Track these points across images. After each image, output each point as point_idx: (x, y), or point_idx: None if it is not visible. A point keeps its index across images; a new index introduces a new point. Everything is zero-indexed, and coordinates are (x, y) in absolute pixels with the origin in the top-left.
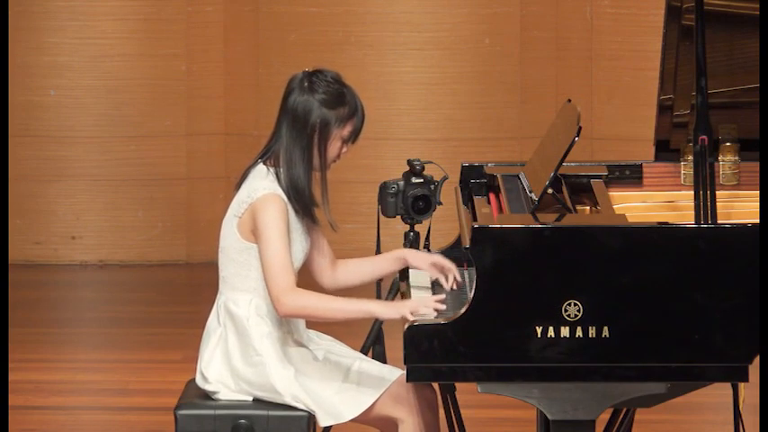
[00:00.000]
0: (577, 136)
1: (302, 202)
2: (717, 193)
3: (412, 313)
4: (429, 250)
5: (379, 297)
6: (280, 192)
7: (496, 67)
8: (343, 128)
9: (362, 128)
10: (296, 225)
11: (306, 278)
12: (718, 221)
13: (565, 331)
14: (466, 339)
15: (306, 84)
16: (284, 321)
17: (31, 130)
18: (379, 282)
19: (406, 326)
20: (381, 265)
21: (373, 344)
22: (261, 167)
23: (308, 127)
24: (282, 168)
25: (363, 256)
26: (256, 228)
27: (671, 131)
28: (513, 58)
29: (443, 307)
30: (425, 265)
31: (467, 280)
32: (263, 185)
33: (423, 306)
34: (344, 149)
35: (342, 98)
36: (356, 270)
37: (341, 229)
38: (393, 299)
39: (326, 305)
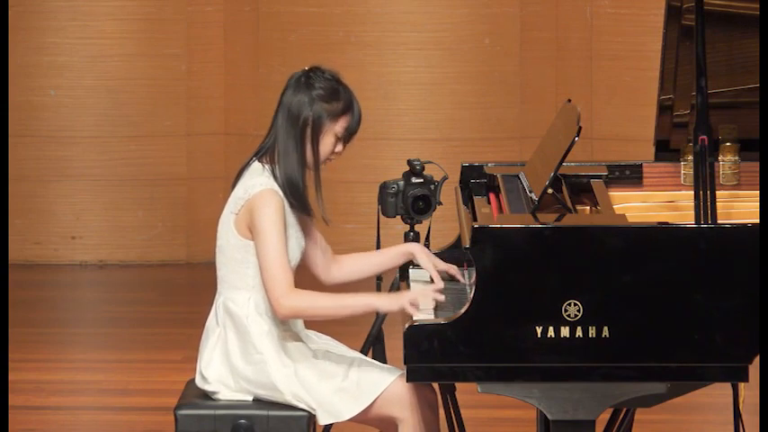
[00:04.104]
0: (577, 136)
1: (297, 195)
2: (717, 193)
3: (411, 304)
4: (429, 250)
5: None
6: (276, 187)
7: (496, 67)
8: (335, 123)
9: (358, 128)
10: (291, 220)
11: (302, 273)
12: (719, 221)
13: (565, 331)
14: (466, 339)
15: (303, 80)
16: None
17: (31, 130)
18: (378, 283)
19: (406, 326)
20: (389, 257)
21: (373, 344)
22: (256, 165)
23: (301, 120)
24: (277, 163)
25: None
26: (253, 225)
27: (671, 131)
28: (513, 58)
29: (442, 298)
30: (429, 267)
31: (467, 280)
32: (259, 182)
33: (422, 297)
34: (338, 148)
35: (336, 94)
36: (365, 262)
37: (341, 230)
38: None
39: (326, 303)
